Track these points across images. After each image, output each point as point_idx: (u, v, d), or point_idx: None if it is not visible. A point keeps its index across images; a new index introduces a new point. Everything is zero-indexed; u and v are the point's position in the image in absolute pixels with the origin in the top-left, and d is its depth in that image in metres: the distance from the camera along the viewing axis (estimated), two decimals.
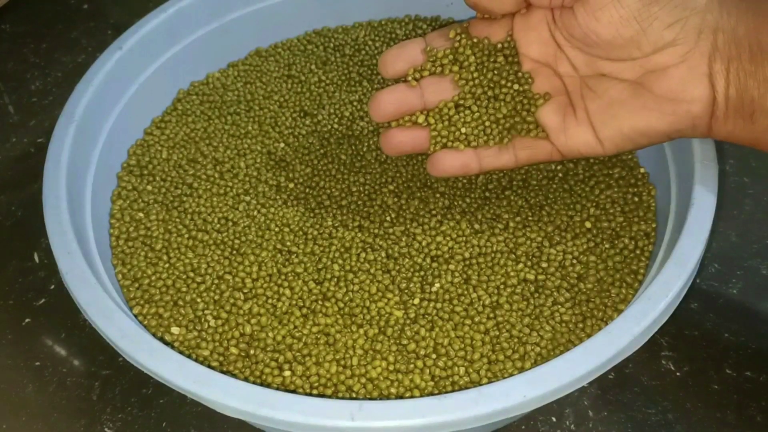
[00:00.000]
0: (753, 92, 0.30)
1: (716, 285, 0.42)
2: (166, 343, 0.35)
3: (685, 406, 0.38)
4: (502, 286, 0.36)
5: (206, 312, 0.36)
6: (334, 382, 0.33)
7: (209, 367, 0.33)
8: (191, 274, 0.37)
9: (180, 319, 0.36)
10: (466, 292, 0.36)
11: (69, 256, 0.33)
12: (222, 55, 0.47)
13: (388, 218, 0.39)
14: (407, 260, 0.37)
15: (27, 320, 0.43)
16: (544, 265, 0.37)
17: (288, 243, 0.38)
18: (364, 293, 0.36)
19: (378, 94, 0.36)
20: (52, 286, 0.44)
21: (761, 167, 0.48)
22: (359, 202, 0.40)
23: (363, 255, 0.38)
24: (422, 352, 0.34)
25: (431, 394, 0.33)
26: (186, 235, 0.39)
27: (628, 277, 0.36)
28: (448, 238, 0.38)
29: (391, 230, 0.39)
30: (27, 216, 0.48)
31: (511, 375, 0.32)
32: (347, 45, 0.49)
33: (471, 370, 0.33)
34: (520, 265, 0.37)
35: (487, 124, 0.36)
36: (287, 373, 0.34)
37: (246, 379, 0.34)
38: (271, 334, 0.35)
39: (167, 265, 0.38)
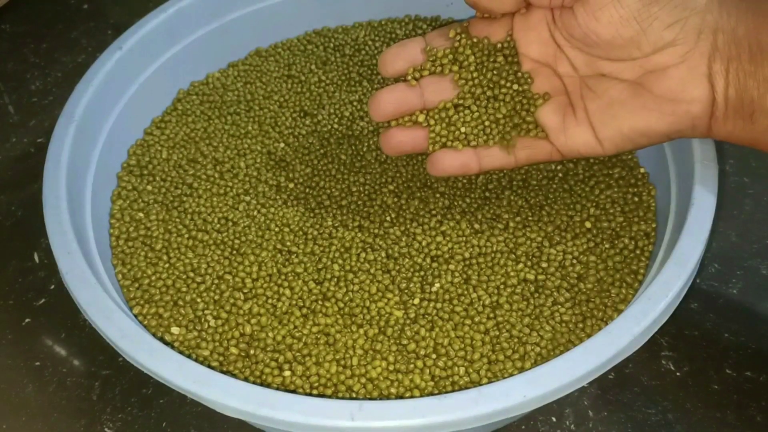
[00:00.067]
0: (753, 92, 0.30)
1: (716, 285, 0.42)
2: (166, 343, 0.35)
3: (685, 406, 0.38)
4: (502, 286, 0.36)
5: (206, 312, 0.36)
6: (334, 382, 0.33)
7: (209, 367, 0.33)
8: (191, 274, 0.37)
9: (180, 319, 0.36)
10: (466, 292, 0.36)
11: (69, 256, 0.33)
12: (222, 55, 0.47)
13: (388, 218, 0.39)
14: (407, 260, 0.37)
15: (27, 320, 0.43)
16: (544, 265, 0.37)
17: (288, 243, 0.38)
18: (364, 293, 0.36)
19: (378, 93, 0.36)
20: (52, 286, 0.44)
21: (761, 167, 0.48)
22: (359, 202, 0.40)
23: (363, 255, 0.38)
24: (422, 352, 0.34)
25: (431, 394, 0.33)
26: (186, 235, 0.39)
27: (628, 277, 0.36)
28: (448, 238, 0.38)
29: (391, 230, 0.39)
30: (27, 216, 0.48)
31: (511, 375, 0.32)
32: (347, 45, 0.49)
33: (471, 370, 0.33)
34: (520, 265, 0.37)
35: (486, 124, 0.36)
36: (287, 373, 0.34)
37: (246, 379, 0.34)
38: (271, 334, 0.35)
39: (167, 265, 0.38)
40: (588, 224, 0.38)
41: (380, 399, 0.33)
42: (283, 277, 0.37)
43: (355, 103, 0.45)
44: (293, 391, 0.33)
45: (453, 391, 0.32)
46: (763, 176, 0.47)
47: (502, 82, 0.36)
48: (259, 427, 0.35)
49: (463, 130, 0.36)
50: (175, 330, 0.35)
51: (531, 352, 0.34)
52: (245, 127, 0.44)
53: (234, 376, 0.34)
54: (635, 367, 0.39)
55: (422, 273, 0.37)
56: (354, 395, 0.33)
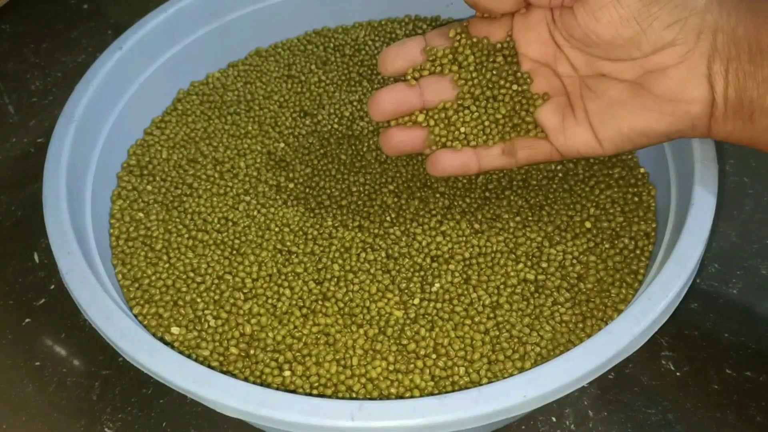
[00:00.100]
0: (752, 93, 0.30)
1: (716, 285, 0.42)
2: (166, 343, 0.35)
3: (685, 406, 0.38)
4: (502, 286, 0.36)
5: (206, 312, 0.36)
6: (334, 382, 0.33)
7: (209, 367, 0.33)
8: (191, 274, 0.37)
9: (180, 319, 0.36)
10: (466, 292, 0.36)
11: (69, 256, 0.33)
12: (222, 55, 0.47)
13: (388, 218, 0.39)
14: (407, 260, 0.37)
15: (27, 320, 0.43)
16: (544, 265, 0.37)
17: (288, 243, 0.38)
18: (364, 293, 0.36)
19: (377, 93, 0.36)
20: (52, 286, 0.44)
21: (761, 167, 0.48)
22: (359, 202, 0.40)
23: (363, 255, 0.38)
24: (422, 352, 0.34)
25: (431, 394, 0.33)
26: (186, 235, 0.39)
27: (628, 277, 0.36)
28: (448, 238, 0.38)
29: (391, 230, 0.39)
30: (27, 216, 0.48)
31: (511, 375, 0.32)
32: (347, 45, 0.49)
33: (471, 370, 0.33)
34: (520, 265, 0.37)
35: (486, 124, 0.36)
36: (287, 373, 0.34)
37: (246, 379, 0.34)
38: (271, 334, 0.35)
39: (167, 265, 0.38)
40: (588, 224, 0.38)
41: (380, 399, 0.33)
42: (283, 277, 0.37)
43: (355, 103, 0.45)
44: (293, 391, 0.33)
45: (453, 391, 0.32)
46: (763, 176, 0.47)
47: (502, 82, 0.36)
48: (259, 427, 0.35)
49: (462, 130, 0.36)
50: (175, 330, 0.35)
51: (531, 352, 0.34)
52: (245, 127, 0.44)
53: (234, 376, 0.34)
54: (635, 367, 0.39)
55: (422, 273, 0.37)
56: (354, 395, 0.33)
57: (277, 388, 0.33)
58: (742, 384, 0.38)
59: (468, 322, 0.35)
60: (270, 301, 0.36)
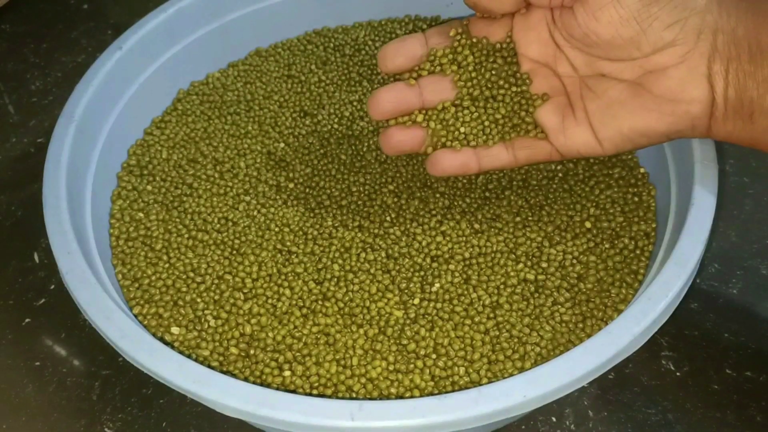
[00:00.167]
0: (752, 93, 0.30)
1: (716, 285, 0.42)
2: (166, 343, 0.35)
3: (685, 406, 0.38)
4: (502, 286, 0.36)
5: (206, 312, 0.36)
6: (334, 382, 0.33)
7: (209, 367, 0.33)
8: (191, 274, 0.37)
9: (180, 319, 0.36)
10: (466, 292, 0.36)
11: (69, 256, 0.33)
12: (222, 55, 0.47)
13: (388, 218, 0.39)
14: (407, 260, 0.37)
15: (27, 320, 0.43)
16: (544, 265, 0.37)
17: (288, 243, 0.38)
18: (364, 293, 0.36)
19: (377, 92, 0.36)
20: (52, 286, 0.44)
21: (761, 167, 0.48)
22: (359, 202, 0.40)
23: (363, 255, 0.38)
24: (422, 352, 0.34)
25: (431, 394, 0.33)
26: (186, 235, 0.39)
27: (628, 277, 0.36)
28: (448, 238, 0.38)
29: (391, 230, 0.39)
30: (27, 216, 0.48)
31: (511, 375, 0.32)
32: (347, 45, 0.49)
33: (471, 370, 0.33)
34: (520, 265, 0.37)
35: (486, 124, 0.36)
36: (287, 373, 0.34)
37: (246, 379, 0.34)
38: (271, 334, 0.35)
39: (167, 265, 0.38)
40: (588, 224, 0.38)
41: (380, 399, 0.33)
42: (283, 277, 0.37)
43: (355, 103, 0.45)
44: (293, 391, 0.33)
45: (453, 391, 0.32)
46: (763, 176, 0.47)
47: (501, 82, 0.36)
48: (259, 427, 0.35)
49: (462, 130, 0.36)
50: (175, 330, 0.35)
51: (531, 352, 0.34)
52: (245, 127, 0.44)
53: (234, 376, 0.34)
54: (635, 367, 0.39)
55: (422, 273, 0.37)
56: (354, 395, 0.33)
57: (277, 388, 0.33)
58: (742, 384, 0.38)
59: (468, 322, 0.35)
60: (270, 301, 0.36)
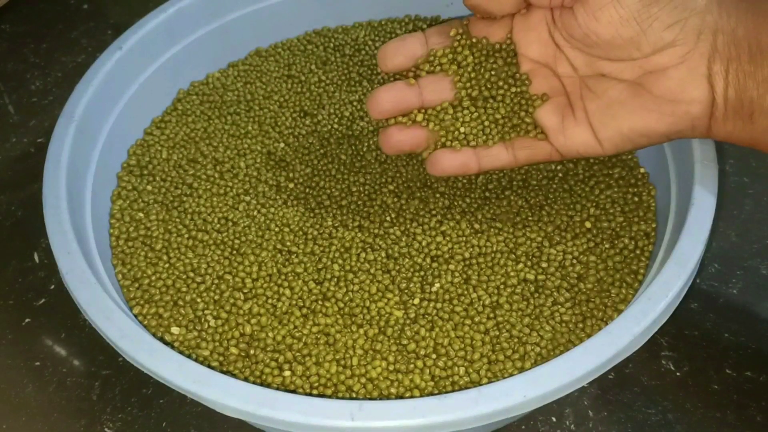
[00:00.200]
0: (752, 93, 0.30)
1: (716, 285, 0.42)
2: (166, 343, 0.35)
3: (685, 406, 0.38)
4: (502, 286, 0.36)
5: (206, 312, 0.36)
6: (334, 382, 0.33)
7: (209, 367, 0.33)
8: (191, 274, 0.37)
9: (180, 319, 0.36)
10: (466, 292, 0.36)
11: (69, 256, 0.33)
12: (222, 55, 0.47)
13: (388, 218, 0.39)
14: (407, 260, 0.37)
15: (27, 320, 0.43)
16: (544, 265, 0.37)
17: (288, 243, 0.38)
18: (364, 293, 0.36)
19: (376, 91, 0.36)
20: (52, 286, 0.44)
21: (761, 167, 0.48)
22: (359, 202, 0.40)
23: (363, 255, 0.38)
24: (422, 352, 0.34)
25: (431, 394, 0.33)
26: (186, 235, 0.39)
27: (628, 277, 0.36)
28: (448, 238, 0.38)
29: (391, 230, 0.39)
30: (27, 216, 0.48)
31: (511, 375, 0.32)
32: (347, 45, 0.49)
33: (471, 370, 0.33)
34: (520, 265, 0.37)
35: (486, 124, 0.36)
36: (287, 373, 0.34)
37: (246, 379, 0.34)
38: (271, 334, 0.35)
39: (167, 265, 0.38)
40: (588, 224, 0.38)
41: (380, 399, 0.33)
42: (283, 277, 0.37)
43: (355, 103, 0.45)
44: (293, 391, 0.33)
45: (453, 391, 0.32)
46: (763, 176, 0.47)
47: (500, 83, 0.36)
48: (259, 427, 0.35)
49: (462, 130, 0.36)
50: (175, 330, 0.35)
51: (531, 352, 0.34)
52: (245, 127, 0.44)
53: (234, 376, 0.34)
54: (635, 367, 0.39)
55: (422, 273, 0.37)
56: (354, 395, 0.33)
57: (277, 388, 0.33)
58: (742, 384, 0.38)
59: (468, 322, 0.35)
60: (270, 301, 0.36)
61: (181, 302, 0.36)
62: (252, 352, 0.34)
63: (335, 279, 0.37)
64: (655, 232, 0.38)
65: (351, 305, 0.36)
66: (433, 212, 0.39)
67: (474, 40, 0.36)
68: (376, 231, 0.39)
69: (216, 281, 0.37)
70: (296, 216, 0.40)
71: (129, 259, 0.38)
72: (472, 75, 0.36)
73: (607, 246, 0.37)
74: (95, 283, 0.32)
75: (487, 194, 0.40)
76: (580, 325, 0.35)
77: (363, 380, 0.33)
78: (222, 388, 0.28)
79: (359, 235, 0.39)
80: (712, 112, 0.31)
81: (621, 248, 0.37)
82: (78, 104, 0.39)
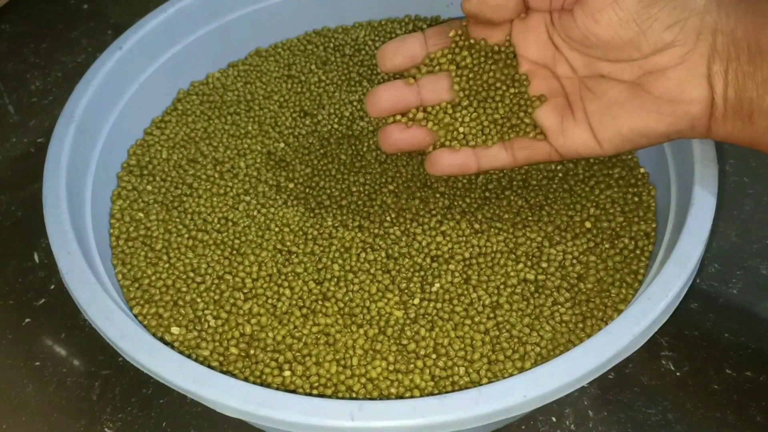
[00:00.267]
0: (752, 93, 0.30)
1: (716, 285, 0.42)
2: (166, 343, 0.35)
3: (685, 406, 0.38)
4: (502, 286, 0.36)
5: (206, 312, 0.36)
6: (334, 382, 0.33)
7: (209, 367, 0.33)
8: (191, 274, 0.37)
9: (180, 319, 0.36)
10: (466, 292, 0.36)
11: (69, 256, 0.33)
12: (222, 55, 0.47)
13: (388, 218, 0.39)
14: (407, 260, 0.37)
15: (27, 320, 0.43)
16: (544, 265, 0.37)
17: (288, 243, 0.38)
18: (364, 293, 0.36)
19: (375, 89, 0.36)
20: (52, 286, 0.44)
21: (761, 167, 0.48)
22: (359, 202, 0.40)
23: (363, 255, 0.38)
24: (422, 352, 0.34)
25: (431, 394, 0.33)
26: (186, 235, 0.39)
27: (628, 277, 0.36)
28: (448, 238, 0.38)
29: (391, 230, 0.39)
30: (27, 216, 0.48)
31: (511, 375, 0.32)
32: (347, 45, 0.49)
33: (471, 370, 0.33)
34: (520, 265, 0.37)
35: (485, 124, 0.36)
36: (287, 373, 0.34)
37: (246, 379, 0.34)
38: (271, 334, 0.35)
39: (167, 265, 0.38)
40: (588, 224, 0.38)
41: (380, 399, 0.33)
42: (283, 277, 0.37)
43: (355, 103, 0.45)
44: (293, 391, 0.33)
45: (453, 391, 0.32)
46: (763, 176, 0.47)
47: (499, 84, 0.36)
48: (259, 427, 0.35)
49: (461, 130, 0.36)
50: (175, 330, 0.35)
51: (531, 352, 0.34)
52: (245, 127, 0.44)
53: (234, 376, 0.34)
54: (635, 367, 0.39)
55: (422, 273, 0.37)
56: (354, 395, 0.33)
57: (277, 388, 0.33)
58: (742, 384, 0.38)
59: (468, 322, 0.35)
60: (270, 301, 0.36)
61: (181, 302, 0.36)
62: (252, 352, 0.34)
63: (335, 279, 0.37)
64: (655, 232, 0.38)
65: (351, 305, 0.36)
66: (433, 212, 0.39)
67: (473, 41, 0.36)
68: (376, 231, 0.39)
69: (216, 281, 0.37)
70: (296, 216, 0.40)
71: (129, 259, 0.38)
72: (471, 76, 0.36)
73: (607, 246, 0.37)
74: (95, 283, 0.32)
75: (487, 194, 0.40)
76: (580, 325, 0.35)
77: (363, 380, 0.33)
78: (222, 388, 0.28)
79: (359, 235, 0.39)
80: (711, 112, 0.31)
81: (621, 248, 0.37)
82: (78, 104, 0.39)
